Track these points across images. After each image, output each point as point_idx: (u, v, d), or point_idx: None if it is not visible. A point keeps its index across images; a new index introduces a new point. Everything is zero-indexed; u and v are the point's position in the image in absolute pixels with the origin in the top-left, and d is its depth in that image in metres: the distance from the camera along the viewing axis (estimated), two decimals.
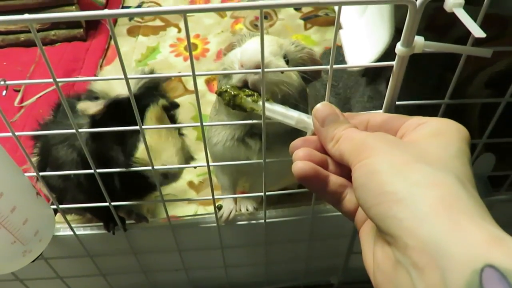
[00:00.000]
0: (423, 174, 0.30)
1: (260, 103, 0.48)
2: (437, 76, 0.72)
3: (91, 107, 0.57)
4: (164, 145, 0.60)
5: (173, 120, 0.66)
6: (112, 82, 0.61)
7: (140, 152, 0.59)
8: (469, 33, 0.39)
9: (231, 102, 0.52)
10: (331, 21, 1.35)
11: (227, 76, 0.55)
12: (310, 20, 1.36)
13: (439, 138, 0.34)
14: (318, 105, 0.42)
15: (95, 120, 0.59)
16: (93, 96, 0.61)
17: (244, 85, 0.52)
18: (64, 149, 0.63)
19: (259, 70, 0.44)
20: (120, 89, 0.59)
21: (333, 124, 0.40)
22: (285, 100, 0.53)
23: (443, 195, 0.29)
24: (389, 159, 0.32)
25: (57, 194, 0.69)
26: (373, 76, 0.82)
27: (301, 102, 0.59)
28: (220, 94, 0.53)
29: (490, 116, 0.58)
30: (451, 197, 0.29)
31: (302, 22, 1.36)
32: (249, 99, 0.50)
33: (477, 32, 0.37)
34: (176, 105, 0.65)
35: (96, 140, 0.60)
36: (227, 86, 0.53)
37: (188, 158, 0.65)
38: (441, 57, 0.77)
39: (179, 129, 0.67)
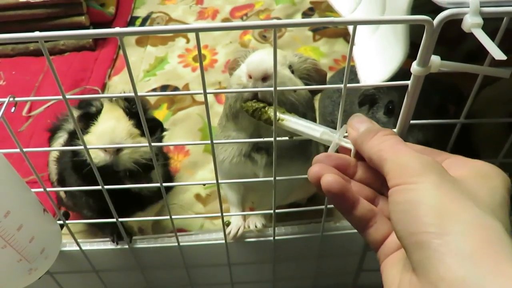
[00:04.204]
0: (472, 214, 0.30)
1: (282, 114, 0.49)
2: (436, 103, 0.70)
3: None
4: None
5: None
6: None
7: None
8: (481, 47, 0.38)
9: (255, 115, 0.53)
10: (340, 33, 1.34)
11: (236, 94, 0.55)
12: (319, 31, 1.36)
13: (487, 181, 0.34)
14: (352, 119, 0.42)
15: None
16: None
17: (254, 97, 0.53)
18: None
19: (271, 89, 0.43)
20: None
21: (373, 130, 0.40)
22: (293, 109, 0.54)
23: (491, 238, 0.28)
24: (436, 193, 0.31)
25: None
26: (371, 103, 0.81)
27: (309, 111, 0.59)
28: (244, 107, 0.54)
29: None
30: (498, 242, 0.28)
31: (311, 33, 1.36)
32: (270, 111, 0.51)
33: (497, 54, 0.36)
34: (164, 129, 0.72)
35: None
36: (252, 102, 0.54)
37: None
38: (440, 85, 0.75)
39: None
